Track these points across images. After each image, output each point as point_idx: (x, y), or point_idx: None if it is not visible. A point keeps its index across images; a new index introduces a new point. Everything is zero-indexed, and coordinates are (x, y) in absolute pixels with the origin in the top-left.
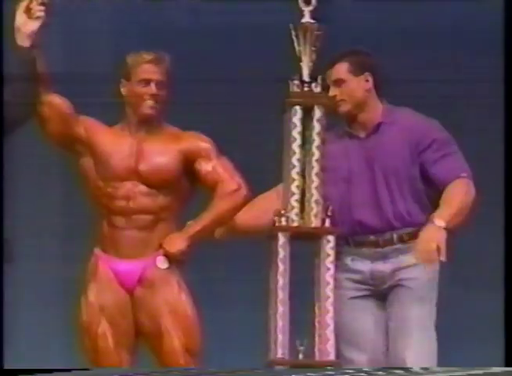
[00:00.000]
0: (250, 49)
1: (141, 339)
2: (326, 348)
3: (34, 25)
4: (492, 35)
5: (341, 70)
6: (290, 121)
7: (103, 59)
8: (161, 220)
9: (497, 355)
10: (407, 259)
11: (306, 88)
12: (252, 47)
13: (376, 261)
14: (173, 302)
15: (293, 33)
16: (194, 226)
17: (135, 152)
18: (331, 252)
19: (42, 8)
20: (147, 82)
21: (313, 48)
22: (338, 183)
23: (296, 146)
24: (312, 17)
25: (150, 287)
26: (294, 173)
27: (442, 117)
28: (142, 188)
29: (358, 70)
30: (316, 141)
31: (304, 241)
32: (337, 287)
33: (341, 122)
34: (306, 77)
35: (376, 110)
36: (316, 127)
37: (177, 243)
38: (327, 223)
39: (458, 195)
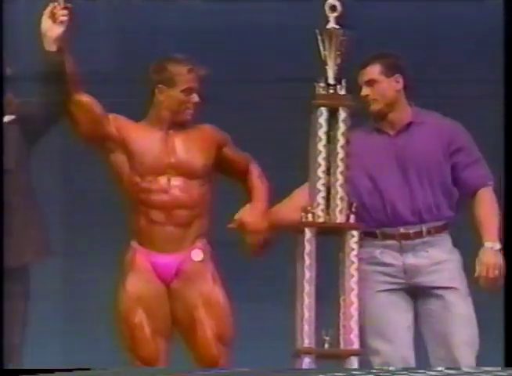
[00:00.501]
0: (274, 50)
1: (175, 329)
2: (351, 338)
3: (58, 29)
4: (491, 35)
5: (374, 71)
6: (316, 122)
7: (105, 59)
8: (196, 216)
9: (497, 355)
10: (437, 254)
11: (331, 91)
12: (276, 47)
13: (405, 253)
14: (207, 294)
15: (318, 38)
16: (259, 202)
17: (168, 146)
18: (355, 247)
19: (66, 12)
20: (191, 91)
21: (338, 53)
22: (368, 177)
23: (322, 146)
24: (337, 23)
25: (186, 280)
26: (320, 171)
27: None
28: (178, 181)
29: (389, 71)
30: (341, 141)
31: (330, 236)
32: (366, 279)
33: (368, 121)
34: (331, 80)
35: (405, 110)
36: (341, 127)
37: (260, 219)
38: (352, 219)
39: (494, 209)
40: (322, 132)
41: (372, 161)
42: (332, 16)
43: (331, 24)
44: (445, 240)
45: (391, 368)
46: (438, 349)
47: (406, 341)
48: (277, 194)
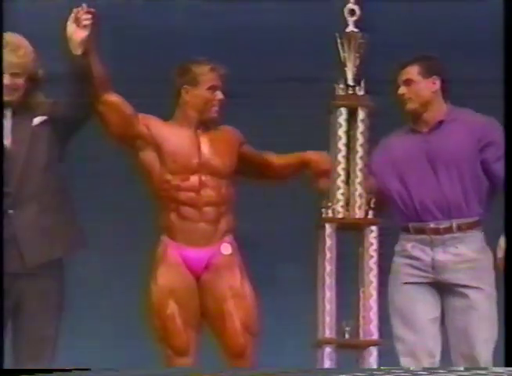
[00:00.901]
0: (275, 50)
1: (203, 320)
2: (370, 328)
3: (83, 33)
4: (491, 35)
5: (412, 71)
6: (335, 121)
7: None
8: (224, 213)
9: (497, 355)
10: (466, 251)
11: (350, 92)
12: (277, 48)
13: (435, 248)
14: (236, 286)
15: (338, 41)
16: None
17: (197, 146)
18: (374, 241)
19: (89, 16)
20: (215, 89)
21: (357, 55)
22: (400, 173)
23: (341, 145)
24: (356, 26)
25: (216, 272)
26: (340, 169)
27: None
28: (209, 180)
29: (427, 72)
30: (360, 140)
31: (350, 231)
32: (397, 270)
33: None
34: (350, 81)
35: (440, 109)
36: (360, 127)
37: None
38: (370, 215)
39: None
40: (341, 132)
41: (404, 159)
42: (351, 19)
43: (350, 28)
44: (476, 236)
45: (411, 368)
46: (459, 345)
47: (431, 333)
48: None
